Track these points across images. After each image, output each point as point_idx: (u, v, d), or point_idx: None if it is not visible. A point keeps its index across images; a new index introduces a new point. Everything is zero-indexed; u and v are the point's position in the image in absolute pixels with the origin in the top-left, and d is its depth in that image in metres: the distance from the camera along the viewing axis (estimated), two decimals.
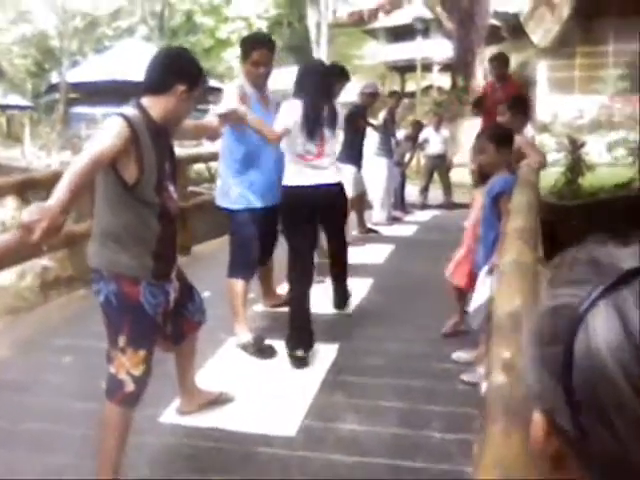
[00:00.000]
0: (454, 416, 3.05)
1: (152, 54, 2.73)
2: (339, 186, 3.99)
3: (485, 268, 3.42)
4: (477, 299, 3.42)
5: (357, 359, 3.79)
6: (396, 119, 9.00)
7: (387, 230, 7.98)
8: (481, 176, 4.08)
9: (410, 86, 23.63)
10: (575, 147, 10.58)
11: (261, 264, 4.26)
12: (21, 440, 2.84)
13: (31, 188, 5.08)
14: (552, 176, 9.59)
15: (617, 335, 0.48)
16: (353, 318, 4.51)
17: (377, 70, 25.60)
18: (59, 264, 6.98)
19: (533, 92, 17.35)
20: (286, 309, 3.96)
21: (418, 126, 10.41)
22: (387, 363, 3.71)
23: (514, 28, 20.52)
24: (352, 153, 6.74)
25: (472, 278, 3.71)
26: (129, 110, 2.42)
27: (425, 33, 19.19)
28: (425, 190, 10.60)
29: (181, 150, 6.54)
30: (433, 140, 10.22)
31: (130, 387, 2.45)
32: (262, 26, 27.03)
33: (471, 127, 9.74)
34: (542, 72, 19.17)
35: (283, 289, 4.62)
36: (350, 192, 5.72)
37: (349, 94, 6.55)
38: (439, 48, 20.86)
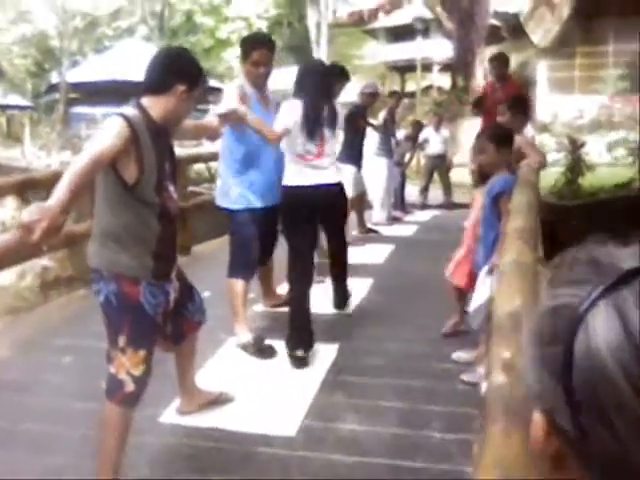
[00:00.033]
0: (454, 416, 3.05)
1: (152, 54, 2.73)
2: (339, 186, 4.00)
3: (485, 268, 3.42)
4: (477, 299, 3.42)
5: (357, 359, 3.79)
6: (396, 119, 9.00)
7: (387, 230, 7.98)
8: (481, 176, 4.08)
9: (410, 86, 23.64)
10: (575, 147, 10.58)
11: (261, 264, 4.26)
12: (21, 440, 2.84)
13: (31, 188, 5.08)
14: (552, 176, 9.59)
15: (617, 335, 0.48)
16: (353, 318, 4.51)
17: (377, 70, 25.60)
18: (59, 264, 6.97)
19: (533, 92, 17.36)
20: (286, 309, 3.96)
21: (418, 126, 10.41)
22: (387, 363, 3.71)
23: (514, 28, 20.52)
24: (352, 153, 6.74)
25: (472, 278, 3.71)
26: (129, 110, 2.42)
27: (425, 33, 19.20)
28: (425, 190, 10.60)
29: (181, 150, 6.54)
30: (433, 140, 10.22)
31: (130, 387, 2.45)
32: (262, 26, 27.03)
33: (471, 127, 9.74)
34: (542, 72, 19.17)
35: (283, 289, 4.62)
36: (350, 192, 5.71)
37: (349, 94, 6.55)
38: (439, 48, 20.87)
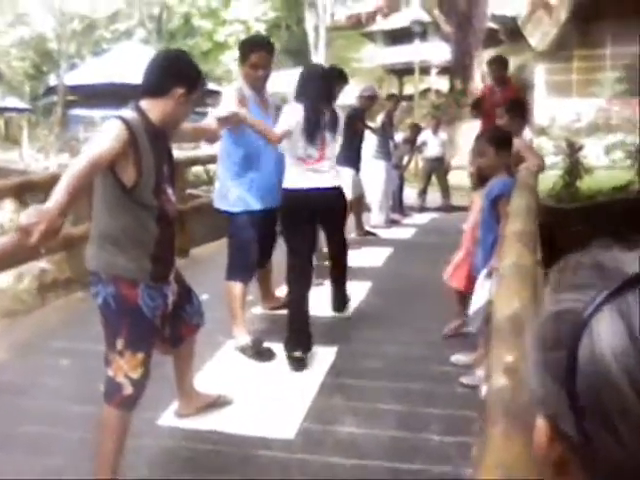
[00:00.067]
0: (453, 419, 3.04)
1: (150, 57, 2.73)
2: (339, 189, 4.02)
3: (484, 271, 3.42)
4: (476, 302, 3.42)
5: (356, 362, 3.79)
6: (394, 122, 9.00)
7: (385, 233, 7.98)
8: (480, 179, 4.08)
9: (408, 89, 23.67)
10: (573, 150, 10.60)
11: (260, 267, 4.26)
12: (19, 443, 2.83)
13: (29, 191, 5.07)
14: (550, 179, 9.60)
15: (622, 340, 0.47)
16: (352, 321, 4.51)
17: (375, 73, 25.63)
18: (57, 267, 6.96)
19: (531, 95, 17.37)
20: (285, 312, 3.95)
21: (416, 129, 10.43)
22: (386, 366, 3.71)
23: (512, 31, 20.58)
24: (350, 156, 6.74)
25: (470, 281, 3.71)
26: (128, 113, 2.42)
27: (423, 36, 19.24)
28: (423, 193, 10.61)
29: (179, 153, 6.54)
30: (431, 143, 10.23)
31: (128, 390, 2.44)
32: (260, 29, 27.02)
33: (469, 130, 9.76)
34: (540, 75, 19.20)
35: (282, 292, 4.62)
36: (348, 195, 5.72)
37: (347, 97, 6.56)
38: (437, 51, 20.90)
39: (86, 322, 3.70)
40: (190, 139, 4.22)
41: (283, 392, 3.40)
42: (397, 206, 9.39)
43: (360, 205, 7.50)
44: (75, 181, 2.13)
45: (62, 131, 22.50)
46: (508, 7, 21.57)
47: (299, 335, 3.75)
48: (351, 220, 6.74)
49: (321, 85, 3.89)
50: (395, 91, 19.63)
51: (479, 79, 17.67)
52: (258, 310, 4.63)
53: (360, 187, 7.26)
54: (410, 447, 2.84)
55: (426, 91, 22.38)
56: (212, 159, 6.26)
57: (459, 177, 10.35)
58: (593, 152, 13.33)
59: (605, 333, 0.48)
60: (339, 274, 4.40)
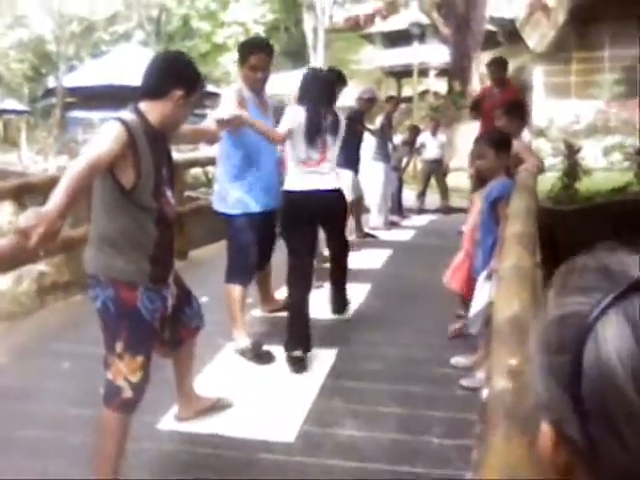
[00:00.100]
0: (453, 421, 3.04)
1: (149, 59, 2.73)
2: (339, 191, 4.03)
3: (484, 273, 3.42)
4: (476, 304, 3.42)
5: (356, 364, 3.78)
6: (393, 124, 9.00)
7: (385, 235, 7.98)
8: (479, 181, 4.08)
9: (406, 91, 23.66)
10: (571, 152, 10.61)
11: (259, 269, 4.25)
12: (18, 447, 2.82)
13: (28, 193, 5.06)
14: (549, 181, 9.61)
15: (627, 344, 0.47)
16: (351, 323, 4.50)
17: (374, 75, 25.64)
18: (56, 269, 6.95)
19: (529, 97, 17.39)
20: (284, 314, 3.95)
21: (415, 131, 10.44)
22: (386, 368, 3.70)
23: (510, 33, 20.60)
24: (349, 158, 6.73)
25: (470, 283, 3.70)
26: (127, 115, 2.42)
27: (421, 38, 19.24)
28: (422, 195, 10.61)
29: (178, 155, 6.53)
30: (430, 145, 10.23)
31: (128, 393, 2.43)
32: (259, 31, 27.01)
33: (468, 132, 9.78)
34: (538, 77, 19.21)
35: (281, 294, 4.62)
36: (347, 197, 5.71)
37: (346, 99, 6.55)
38: (435, 53, 20.92)
39: (85, 325, 3.69)
40: (189, 141, 4.22)
41: (283, 395, 3.40)
42: (396, 208, 9.39)
43: (359, 207, 7.50)
44: (74, 183, 2.12)
45: (61, 133, 22.48)
46: (506, 9, 21.61)
47: (299, 335, 3.75)
48: (350, 222, 6.73)
49: (323, 88, 3.92)
50: (393, 93, 19.67)
51: (477, 81, 17.70)
52: (257, 313, 4.62)
53: (359, 189, 7.26)
54: (410, 450, 2.83)
55: (425, 93, 22.38)
56: (211, 161, 6.25)
57: (458, 179, 10.36)
58: (591, 154, 13.35)
59: (611, 337, 0.48)
60: (339, 276, 4.41)
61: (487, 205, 3.53)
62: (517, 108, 5.22)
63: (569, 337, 0.50)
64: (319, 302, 4.33)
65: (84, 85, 23.03)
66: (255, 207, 3.94)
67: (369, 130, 7.77)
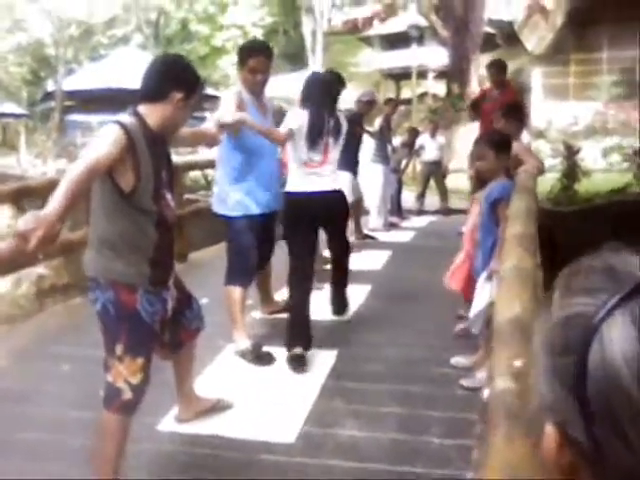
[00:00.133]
0: (453, 421, 3.04)
1: (147, 62, 2.73)
2: (340, 192, 4.08)
3: (484, 274, 3.42)
4: (477, 305, 3.42)
5: (356, 365, 3.78)
6: (392, 126, 9.01)
7: (384, 236, 7.99)
8: (479, 182, 4.09)
9: (405, 93, 23.68)
10: (570, 153, 10.63)
11: (258, 269, 4.25)
12: (18, 450, 2.82)
13: (27, 196, 5.06)
14: (548, 182, 9.61)
15: (633, 345, 0.47)
16: (352, 324, 4.50)
17: (372, 77, 25.66)
18: (55, 272, 6.94)
19: (528, 99, 17.40)
20: (284, 316, 3.96)
21: (414, 133, 10.46)
22: (386, 369, 3.70)
23: (508, 35, 20.63)
24: (348, 160, 6.73)
25: (470, 283, 3.70)
26: (126, 118, 2.42)
27: (420, 41, 19.26)
28: (421, 196, 10.63)
29: (177, 157, 6.54)
30: (429, 147, 10.24)
31: (128, 395, 2.43)
32: (257, 34, 27.01)
33: (467, 133, 9.79)
34: (537, 79, 19.24)
35: (281, 296, 4.62)
36: (347, 198, 5.72)
37: (345, 102, 6.56)
38: (434, 55, 20.94)
39: (84, 327, 3.69)
40: (189, 144, 4.22)
41: (283, 396, 3.40)
42: (395, 209, 9.41)
43: (359, 209, 7.51)
44: (73, 187, 2.12)
45: (60, 136, 22.47)
46: (504, 12, 21.63)
47: (300, 334, 3.77)
48: (349, 224, 6.74)
49: (325, 92, 3.97)
50: (392, 95, 19.69)
51: (476, 83, 17.72)
52: (257, 314, 4.62)
53: (358, 191, 7.27)
54: (411, 450, 2.83)
55: (423, 95, 22.40)
56: (210, 164, 6.25)
57: (457, 180, 10.38)
58: (590, 155, 13.37)
59: (616, 338, 0.48)
60: (340, 277, 4.43)
61: (487, 206, 3.54)
62: (516, 110, 5.23)
63: (574, 338, 0.50)
64: (319, 303, 4.33)
65: (83, 88, 23.05)
66: (255, 209, 3.95)
67: (368, 132, 7.78)
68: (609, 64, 18.38)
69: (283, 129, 3.82)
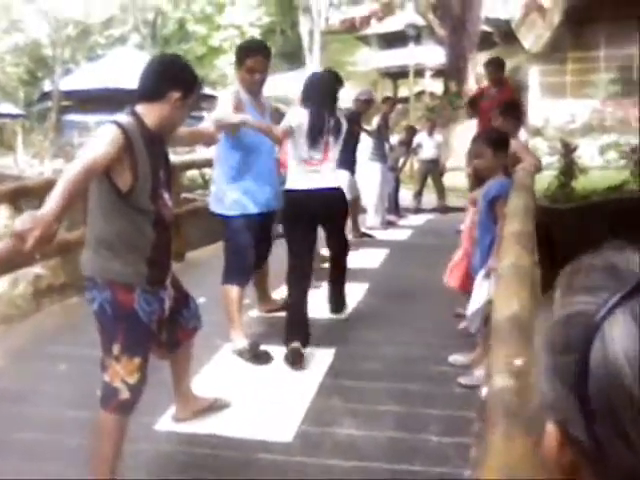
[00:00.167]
0: (451, 419, 3.04)
1: (144, 62, 2.72)
2: (340, 190, 4.11)
3: (482, 272, 3.42)
4: (474, 302, 3.42)
5: (354, 363, 3.78)
6: (390, 124, 9.02)
7: (382, 234, 7.99)
8: (477, 180, 4.09)
9: (403, 92, 23.68)
10: (568, 151, 10.65)
11: (256, 268, 4.25)
12: (15, 450, 2.81)
13: (24, 196, 5.05)
14: (545, 179, 9.63)
15: (634, 344, 0.47)
16: (349, 322, 4.50)
17: (370, 76, 25.66)
18: (52, 272, 6.93)
19: (525, 97, 17.42)
20: (282, 315, 3.96)
21: (411, 131, 10.46)
22: (384, 367, 3.70)
23: (506, 34, 20.64)
24: (346, 158, 6.73)
25: (468, 281, 3.70)
26: (123, 117, 2.41)
27: (417, 39, 19.27)
28: (419, 194, 10.64)
29: (175, 157, 6.53)
30: (426, 145, 10.25)
31: (125, 395, 2.43)
32: (255, 34, 26.98)
33: (464, 131, 9.78)
34: (534, 77, 19.26)
35: (278, 294, 4.62)
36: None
37: (343, 100, 6.56)
38: (431, 54, 20.96)
39: (81, 327, 3.68)
40: (187, 143, 4.22)
41: (281, 395, 3.39)
42: (393, 208, 9.41)
43: (356, 207, 7.51)
44: (70, 186, 2.11)
45: (57, 136, 22.45)
46: (502, 10, 21.64)
47: (298, 329, 3.77)
48: (347, 222, 6.74)
49: (325, 91, 4.01)
50: (390, 94, 19.70)
51: (473, 81, 17.73)
52: (255, 313, 4.62)
53: (356, 189, 7.27)
54: (409, 448, 2.83)
55: (421, 94, 22.41)
56: (207, 163, 6.25)
57: (454, 178, 10.38)
58: (588, 152, 13.39)
59: (618, 336, 0.47)
60: (338, 275, 4.44)
61: (485, 204, 3.54)
62: (513, 108, 5.23)
63: (575, 337, 0.50)
64: (317, 302, 4.33)
65: (80, 88, 23.03)
66: (252, 208, 3.95)
67: (366, 131, 7.79)
68: (606, 62, 18.41)
69: (282, 126, 3.84)
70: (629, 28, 16.36)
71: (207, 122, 3.74)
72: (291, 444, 2.89)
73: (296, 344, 3.71)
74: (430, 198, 10.73)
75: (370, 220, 8.34)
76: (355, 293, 4.97)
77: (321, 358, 3.81)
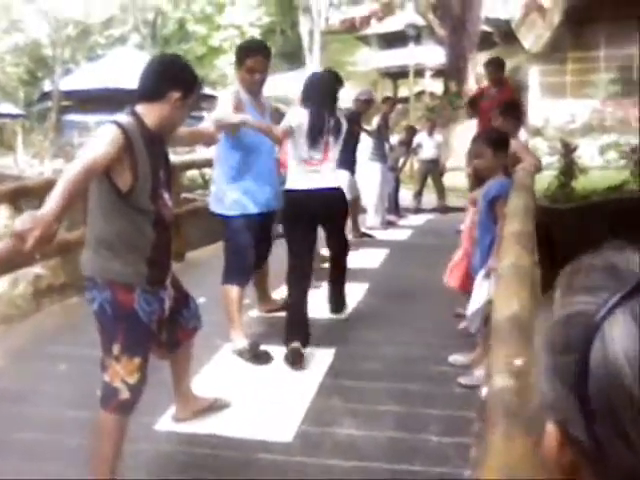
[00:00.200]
0: (451, 419, 3.04)
1: (144, 62, 2.72)
2: (340, 190, 4.12)
3: (482, 272, 3.42)
4: (474, 302, 3.42)
5: (354, 363, 3.78)
6: (390, 124, 9.02)
7: (382, 234, 7.99)
8: (477, 180, 4.09)
9: (403, 92, 23.68)
10: (568, 151, 10.65)
11: (256, 268, 4.25)
12: (15, 450, 2.81)
13: (24, 196, 5.05)
14: (545, 179, 9.62)
15: (634, 344, 0.46)
16: (349, 322, 4.50)
17: (370, 76, 25.66)
18: (52, 272, 6.93)
19: (525, 97, 17.42)
20: (282, 315, 3.96)
21: (411, 131, 10.46)
22: (384, 367, 3.70)
23: (506, 34, 20.64)
24: (346, 158, 6.73)
25: (468, 281, 3.70)
26: (123, 117, 2.41)
27: (417, 39, 19.27)
28: (419, 194, 10.64)
29: (175, 157, 6.53)
30: (426, 145, 10.25)
31: (125, 395, 2.43)
32: (255, 34, 26.97)
33: (464, 131, 9.78)
34: (534, 77, 19.25)
35: (278, 294, 4.62)
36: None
37: (343, 100, 6.56)
38: (431, 54, 20.95)
39: (81, 327, 3.68)
40: (187, 143, 4.22)
41: (281, 395, 3.39)
42: (393, 208, 9.41)
43: (356, 207, 7.51)
44: (70, 186, 2.11)
45: (57, 136, 22.45)
46: (502, 10, 21.63)
47: (298, 329, 3.77)
48: (347, 222, 6.74)
49: (325, 91, 4.02)
50: (390, 94, 19.70)
51: (473, 81, 17.73)
52: (255, 313, 4.62)
53: (356, 189, 7.27)
54: (409, 448, 2.83)
55: (421, 94, 22.41)
56: (207, 163, 6.25)
57: (454, 178, 10.38)
58: (587, 152, 13.39)
59: (618, 336, 0.47)
60: (338, 275, 4.44)
61: (485, 204, 3.53)
62: (513, 108, 5.23)
63: (575, 337, 0.50)
64: (317, 302, 4.33)
65: (80, 88, 23.03)
66: (252, 208, 3.95)
67: (366, 131, 7.79)
68: (606, 62, 18.41)
69: (282, 126, 3.85)
70: (629, 28, 16.36)
71: (207, 122, 3.74)
72: (291, 444, 2.89)
73: (296, 344, 3.70)
74: (430, 198, 10.73)
75: (370, 220, 8.34)
76: (355, 293, 4.96)
77: (321, 358, 3.81)
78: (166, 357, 2.88)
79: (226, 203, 3.95)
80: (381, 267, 6.26)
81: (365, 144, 7.81)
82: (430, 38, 20.74)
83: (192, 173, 11.68)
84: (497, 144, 3.60)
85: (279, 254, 4.25)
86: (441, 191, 10.65)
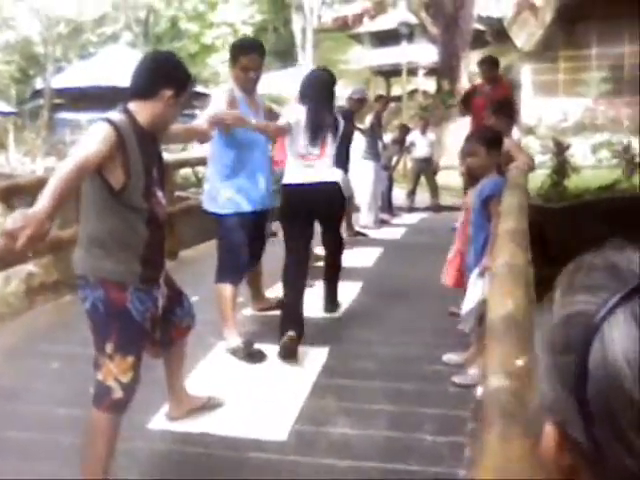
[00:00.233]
0: (446, 418, 3.04)
1: (137, 60, 2.71)
2: (336, 184, 4.12)
3: (476, 270, 3.42)
4: (468, 301, 3.42)
5: (347, 362, 3.78)
6: (383, 123, 9.02)
7: (375, 233, 7.99)
8: (471, 178, 4.09)
9: (396, 90, 23.68)
10: (560, 149, 10.68)
11: (250, 266, 4.24)
12: (7, 448, 2.79)
13: (16, 194, 5.02)
14: (538, 178, 9.65)
15: (635, 345, 0.46)
16: (343, 321, 4.50)
17: (362, 75, 25.64)
18: (44, 270, 6.90)
19: (518, 95, 17.44)
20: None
21: (405, 130, 10.47)
22: (378, 366, 3.70)
23: (498, 32, 20.66)
24: (339, 157, 6.70)
25: (461, 279, 3.70)
26: (115, 115, 2.40)
27: (410, 38, 19.24)
28: (412, 193, 10.65)
29: (168, 155, 6.51)
30: (419, 143, 10.26)
31: (118, 394, 2.42)
32: (247, 32, 26.93)
33: (457, 130, 9.81)
34: (526, 76, 19.28)
35: (272, 293, 4.61)
36: None
37: (336, 99, 6.55)
38: (424, 52, 20.95)
39: (74, 325, 3.67)
40: (180, 140, 4.21)
41: (275, 394, 3.39)
42: (386, 206, 9.41)
43: (350, 206, 7.50)
44: (62, 185, 2.10)
45: (49, 134, 22.34)
46: (494, 8, 21.66)
47: (293, 321, 3.77)
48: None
49: (323, 88, 4.06)
50: (383, 92, 19.68)
51: (466, 80, 17.75)
52: (249, 312, 4.61)
53: (349, 188, 7.24)
54: (403, 447, 2.83)
55: (414, 92, 22.40)
56: (201, 161, 6.24)
57: (448, 177, 10.39)
58: (580, 151, 13.42)
59: (617, 337, 0.47)
60: (333, 274, 4.45)
61: (479, 203, 3.54)
62: (506, 107, 5.24)
63: (575, 337, 0.49)
64: (311, 300, 4.32)
65: (72, 86, 22.93)
66: (246, 206, 3.94)
67: (359, 129, 7.78)
68: (598, 61, 18.45)
69: (280, 123, 3.90)
70: (620, 27, 16.41)
71: (201, 119, 3.73)
72: (285, 443, 2.88)
73: (291, 332, 3.70)
74: (423, 197, 10.74)
75: (363, 219, 8.34)
76: (349, 292, 4.96)
77: (315, 357, 3.81)
78: (160, 355, 2.87)
79: (220, 201, 3.94)
80: (375, 266, 6.26)
81: (358, 143, 7.81)
82: (423, 36, 20.73)
83: (185, 171, 11.65)
84: (490, 143, 3.60)
85: (273, 252, 4.24)
86: (434, 190, 10.66)
